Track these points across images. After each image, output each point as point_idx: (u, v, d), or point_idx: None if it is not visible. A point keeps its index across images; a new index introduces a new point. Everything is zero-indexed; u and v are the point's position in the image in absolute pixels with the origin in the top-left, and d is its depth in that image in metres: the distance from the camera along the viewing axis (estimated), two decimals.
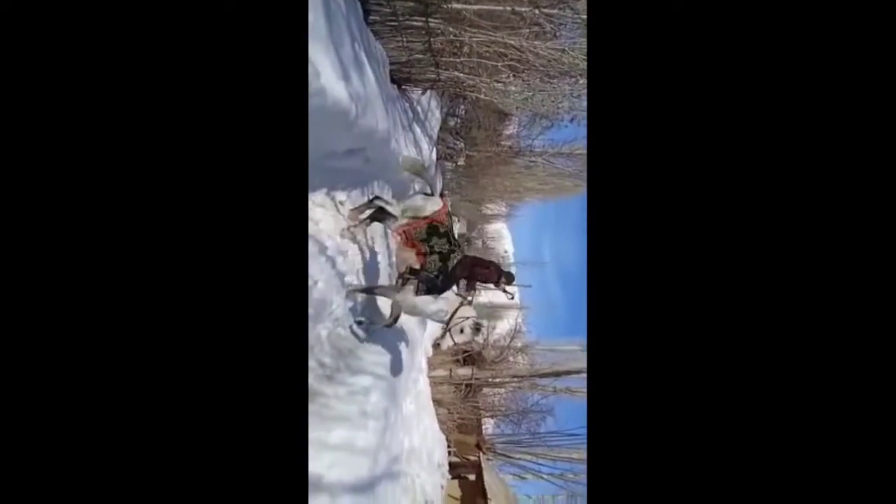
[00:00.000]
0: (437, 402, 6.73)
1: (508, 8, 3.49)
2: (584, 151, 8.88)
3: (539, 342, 11.22)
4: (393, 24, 3.78)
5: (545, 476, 7.34)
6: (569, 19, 3.59)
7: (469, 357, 8.96)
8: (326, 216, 2.71)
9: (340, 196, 2.91)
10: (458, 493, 6.05)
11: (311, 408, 2.09)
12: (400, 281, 2.67)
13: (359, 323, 2.57)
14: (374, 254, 3.38)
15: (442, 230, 2.57)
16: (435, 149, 6.82)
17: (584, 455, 6.72)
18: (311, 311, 2.31)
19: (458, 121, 8.60)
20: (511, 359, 9.58)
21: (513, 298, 3.21)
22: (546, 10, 3.52)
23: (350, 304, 2.73)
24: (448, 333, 2.49)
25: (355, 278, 2.89)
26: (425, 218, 2.57)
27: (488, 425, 8.92)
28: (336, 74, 2.05)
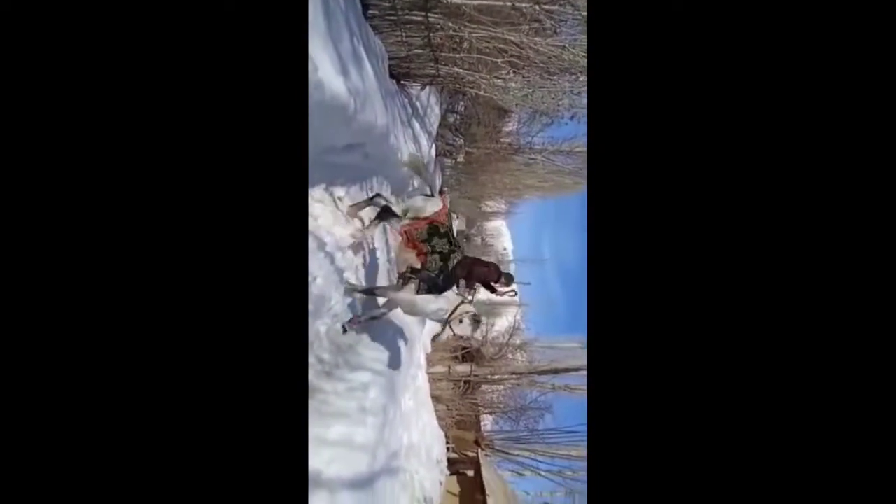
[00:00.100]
0: (436, 399, 6.74)
1: (509, 3, 3.48)
2: (584, 149, 8.87)
3: (538, 339, 11.27)
4: (392, 18, 3.76)
5: (543, 473, 7.37)
6: (569, 16, 3.58)
7: (468, 354, 8.99)
8: (325, 212, 2.71)
9: (339, 191, 2.90)
10: (456, 489, 6.07)
11: (311, 404, 2.09)
12: (401, 280, 2.69)
13: (343, 331, 2.58)
14: (373, 250, 3.38)
15: (442, 230, 2.62)
16: (434, 145, 6.80)
17: (582, 452, 6.76)
18: (310, 307, 2.30)
19: (458, 117, 8.59)
20: (510, 356, 9.62)
21: (515, 295, 3.25)
22: (546, 7, 3.51)
23: (349, 300, 2.72)
24: (448, 325, 2.49)
25: (353, 275, 2.89)
26: (426, 218, 2.61)
27: (487, 422, 8.96)
28: (334, 69, 2.03)
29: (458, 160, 9.96)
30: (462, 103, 7.68)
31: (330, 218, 2.73)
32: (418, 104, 5.32)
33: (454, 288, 2.50)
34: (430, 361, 7.26)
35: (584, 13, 3.31)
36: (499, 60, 3.89)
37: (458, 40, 3.81)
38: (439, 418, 6.42)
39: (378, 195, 2.93)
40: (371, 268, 3.27)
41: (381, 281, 3.38)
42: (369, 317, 2.71)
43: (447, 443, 6.55)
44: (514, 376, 8.69)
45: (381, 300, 2.65)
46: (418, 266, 2.62)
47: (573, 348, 9.86)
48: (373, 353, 2.97)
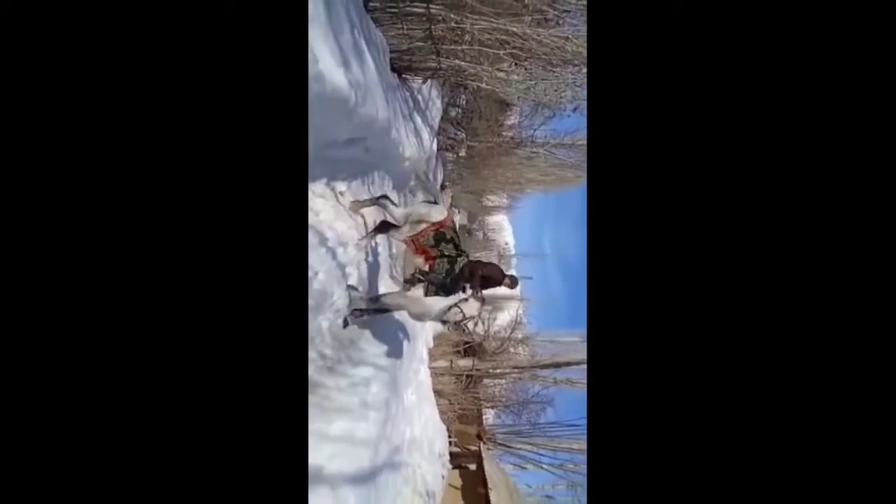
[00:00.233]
0: (438, 393, 6.77)
1: None
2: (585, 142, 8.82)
3: (539, 333, 11.32)
4: (393, 10, 3.73)
5: (545, 466, 7.43)
6: (572, 5, 3.54)
7: (470, 348, 9.01)
8: (327, 206, 2.70)
9: (340, 186, 2.89)
10: (458, 482, 6.10)
11: (312, 399, 2.09)
12: (407, 284, 2.76)
13: (345, 324, 2.62)
14: (374, 246, 3.37)
15: (448, 236, 2.71)
16: (436, 139, 6.77)
17: (583, 445, 6.79)
18: (311, 302, 2.30)
19: (460, 111, 8.55)
20: (512, 350, 9.65)
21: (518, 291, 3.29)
22: None
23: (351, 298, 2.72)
24: (457, 307, 2.51)
25: (356, 270, 2.88)
26: (432, 224, 2.68)
27: (489, 416, 9.00)
28: (335, 61, 2.01)
29: (460, 154, 9.93)
30: (464, 97, 7.64)
31: (331, 213, 2.72)
32: (420, 98, 5.28)
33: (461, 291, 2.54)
34: (433, 356, 7.28)
35: (585, 2, 3.27)
36: (501, 52, 3.86)
37: (459, 32, 3.77)
38: (441, 412, 6.45)
39: (384, 196, 2.94)
40: (373, 264, 3.26)
41: (384, 277, 3.38)
42: (374, 309, 2.72)
43: (449, 437, 6.60)
44: (515, 370, 8.73)
45: (386, 301, 2.67)
46: (426, 269, 2.68)
47: (575, 342, 9.89)
48: (375, 348, 2.97)
